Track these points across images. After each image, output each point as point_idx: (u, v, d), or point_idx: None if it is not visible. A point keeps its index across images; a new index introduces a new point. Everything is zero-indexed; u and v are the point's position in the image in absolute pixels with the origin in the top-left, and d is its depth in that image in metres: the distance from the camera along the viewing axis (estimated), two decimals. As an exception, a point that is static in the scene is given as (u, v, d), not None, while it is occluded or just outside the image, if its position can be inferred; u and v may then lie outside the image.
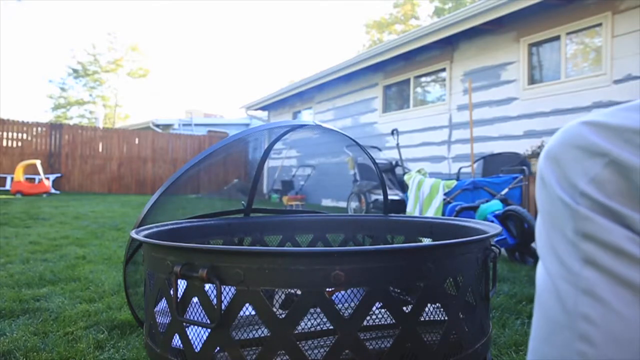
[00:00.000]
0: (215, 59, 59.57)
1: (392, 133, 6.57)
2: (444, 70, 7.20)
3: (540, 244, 0.54)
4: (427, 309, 1.16)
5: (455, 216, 3.56)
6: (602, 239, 0.46)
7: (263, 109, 13.03)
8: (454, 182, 4.15)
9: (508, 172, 4.43)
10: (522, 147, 5.51)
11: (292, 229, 2.00)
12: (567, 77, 5.38)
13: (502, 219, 3.26)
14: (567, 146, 0.51)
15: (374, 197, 6.11)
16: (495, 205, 3.45)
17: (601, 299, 0.46)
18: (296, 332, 1.15)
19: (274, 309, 1.09)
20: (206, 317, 1.00)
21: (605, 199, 0.47)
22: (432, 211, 4.14)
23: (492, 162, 5.24)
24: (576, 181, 0.49)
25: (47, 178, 10.81)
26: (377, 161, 2.28)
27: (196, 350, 1.01)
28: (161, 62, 55.62)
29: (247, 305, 0.96)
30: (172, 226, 1.58)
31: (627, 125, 0.48)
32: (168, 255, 1.06)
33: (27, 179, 10.42)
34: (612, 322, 0.45)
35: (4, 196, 9.19)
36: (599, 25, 5.10)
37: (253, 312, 1.06)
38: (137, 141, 13.14)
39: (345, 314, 0.96)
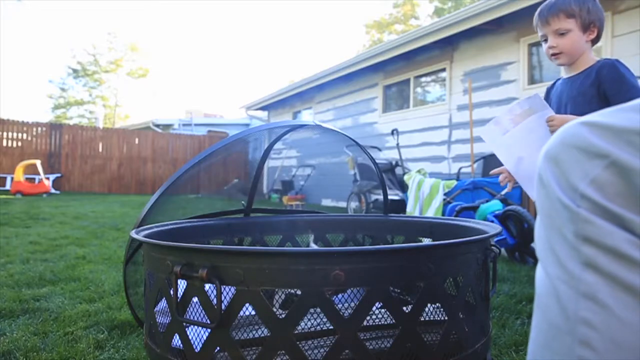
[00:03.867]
0: (215, 59, 59.60)
1: (392, 133, 6.57)
2: (444, 70, 7.20)
3: (539, 245, 0.54)
4: (427, 309, 1.16)
5: (455, 216, 3.56)
6: (603, 243, 0.46)
7: (263, 109, 13.03)
8: (454, 182, 4.15)
9: (508, 172, 4.42)
10: (522, 147, 5.51)
11: (292, 229, 2.00)
12: (567, 77, 5.37)
13: (502, 219, 3.26)
14: (566, 147, 0.50)
15: (374, 197, 6.11)
16: (495, 205, 3.45)
17: (602, 303, 0.45)
18: (296, 332, 1.15)
19: (274, 309, 1.09)
20: (206, 317, 1.00)
21: (606, 201, 0.46)
22: (432, 211, 4.14)
23: (492, 162, 5.24)
24: (576, 183, 0.48)
25: (47, 178, 10.80)
26: (377, 161, 2.28)
27: (196, 350, 1.01)
28: (161, 62, 55.67)
29: (247, 305, 0.96)
30: (172, 226, 1.58)
31: (627, 126, 0.47)
32: (168, 255, 1.06)
33: (27, 179, 10.42)
34: (613, 327, 0.44)
35: (4, 196, 9.19)
36: (599, 25, 5.10)
37: (253, 312, 1.06)
38: (137, 141, 13.14)
39: (345, 314, 0.96)
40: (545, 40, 1.65)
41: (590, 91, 1.58)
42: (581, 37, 1.60)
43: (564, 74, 1.73)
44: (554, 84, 1.81)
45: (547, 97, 1.82)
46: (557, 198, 0.50)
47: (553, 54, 1.63)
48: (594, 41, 1.63)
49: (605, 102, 1.53)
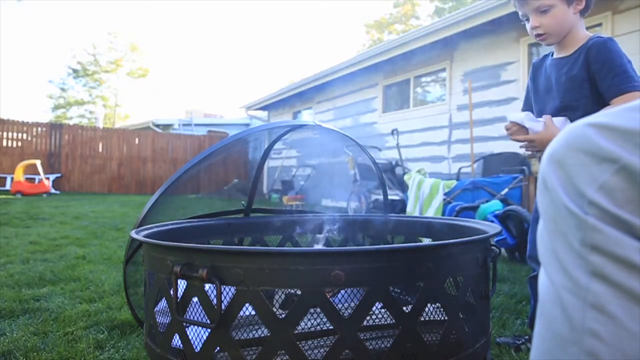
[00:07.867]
0: (215, 59, 59.57)
1: (392, 133, 6.57)
2: (444, 70, 7.19)
3: (542, 251, 0.51)
4: (427, 309, 1.16)
5: (455, 216, 3.56)
6: (612, 252, 0.44)
7: (263, 109, 13.03)
8: (454, 182, 4.15)
9: (508, 172, 4.42)
10: (522, 147, 5.51)
11: (292, 229, 2.00)
12: (567, 77, 5.36)
13: (502, 219, 3.26)
14: (572, 150, 0.47)
15: (374, 197, 6.11)
16: (495, 205, 3.44)
17: (610, 314, 0.43)
18: (296, 332, 1.15)
19: (274, 309, 1.09)
20: (206, 317, 1.00)
21: (616, 208, 0.44)
22: (432, 211, 4.14)
23: (492, 162, 5.24)
24: (584, 188, 0.45)
25: (47, 178, 10.80)
26: (377, 161, 2.28)
27: (196, 350, 1.01)
28: (161, 62, 55.68)
29: (247, 305, 0.96)
30: (172, 226, 1.58)
31: (636, 128, 0.45)
32: (168, 255, 1.06)
33: (27, 179, 10.41)
34: (621, 339, 0.43)
35: (4, 196, 9.19)
36: (599, 25, 5.10)
37: (253, 312, 1.06)
38: (137, 141, 13.14)
39: (345, 314, 0.96)
40: (528, 20, 1.45)
41: (579, 75, 1.42)
42: (566, 11, 1.40)
43: (555, 52, 1.55)
44: (543, 59, 1.60)
45: (535, 73, 1.63)
46: (562, 204, 0.47)
47: (537, 35, 1.45)
48: (584, 11, 1.44)
49: (595, 85, 1.40)
